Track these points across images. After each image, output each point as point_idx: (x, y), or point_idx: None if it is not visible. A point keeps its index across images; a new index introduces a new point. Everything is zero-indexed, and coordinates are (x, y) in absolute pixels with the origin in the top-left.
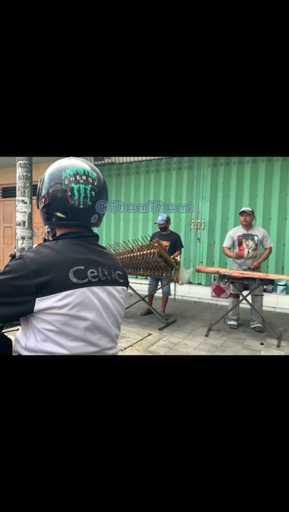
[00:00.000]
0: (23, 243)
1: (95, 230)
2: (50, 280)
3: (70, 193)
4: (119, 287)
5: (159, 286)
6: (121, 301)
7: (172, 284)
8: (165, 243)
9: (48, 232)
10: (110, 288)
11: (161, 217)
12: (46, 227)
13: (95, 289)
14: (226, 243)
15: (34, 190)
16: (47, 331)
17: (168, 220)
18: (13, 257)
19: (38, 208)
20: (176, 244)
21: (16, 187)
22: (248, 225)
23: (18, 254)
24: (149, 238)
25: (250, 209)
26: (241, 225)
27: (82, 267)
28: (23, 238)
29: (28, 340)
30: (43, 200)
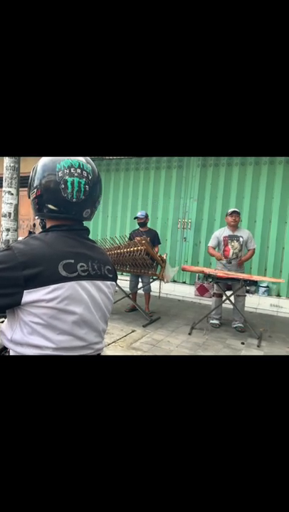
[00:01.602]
0: (7, 235)
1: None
2: (39, 273)
3: (63, 186)
4: (108, 282)
5: (140, 286)
6: (109, 296)
7: (157, 282)
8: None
9: (39, 223)
10: (99, 283)
11: (140, 213)
12: (36, 218)
13: (84, 283)
14: (212, 243)
15: (21, 182)
16: (34, 324)
17: (147, 216)
18: None
19: (29, 197)
20: (154, 241)
21: (2, 177)
22: (235, 226)
23: (2, 246)
24: (129, 236)
25: (237, 210)
26: (228, 226)
27: (72, 261)
28: (8, 230)
29: (14, 332)
30: (35, 190)
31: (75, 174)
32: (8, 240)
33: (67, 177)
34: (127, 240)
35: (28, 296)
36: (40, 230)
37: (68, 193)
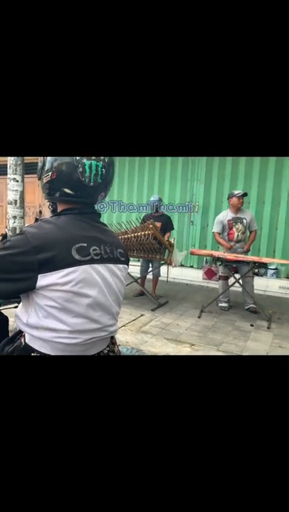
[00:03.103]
0: (14, 222)
1: None
2: (53, 257)
3: (81, 169)
4: (121, 265)
5: (150, 269)
6: (122, 279)
7: (165, 266)
8: (158, 224)
9: (49, 207)
10: (112, 266)
11: (153, 198)
12: (47, 201)
13: (97, 266)
14: (216, 228)
15: (26, 169)
16: (49, 308)
17: (160, 200)
18: (4, 236)
19: (39, 179)
20: (166, 226)
21: (7, 165)
22: (238, 209)
23: (9, 233)
24: (140, 220)
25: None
26: (231, 208)
27: (85, 244)
28: (14, 217)
29: (29, 316)
30: (50, 174)
31: (93, 157)
32: (15, 228)
33: (85, 160)
34: (139, 224)
35: (43, 280)
36: (47, 216)
37: (86, 176)
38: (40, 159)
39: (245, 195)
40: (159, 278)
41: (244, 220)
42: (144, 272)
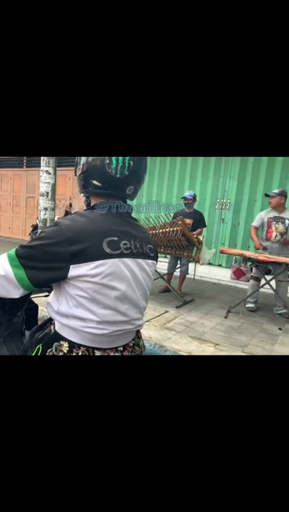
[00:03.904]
0: (45, 214)
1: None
2: (85, 249)
3: (108, 161)
4: (150, 261)
5: (178, 266)
6: (150, 275)
7: (193, 264)
8: (188, 221)
9: (84, 201)
10: (141, 261)
11: (188, 193)
12: (82, 195)
13: (127, 260)
14: (256, 222)
15: (58, 161)
16: (79, 297)
17: (195, 197)
18: (35, 227)
19: (75, 175)
20: (198, 223)
21: (40, 157)
22: (281, 208)
23: (40, 224)
24: (171, 216)
25: (281, 191)
26: (272, 206)
27: (116, 238)
28: (45, 209)
29: (60, 304)
30: (81, 167)
31: None
32: (46, 219)
33: None
34: (167, 219)
35: (74, 270)
36: (77, 209)
37: (112, 168)
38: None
39: (279, 193)
40: (186, 276)
41: (286, 221)
42: (171, 268)
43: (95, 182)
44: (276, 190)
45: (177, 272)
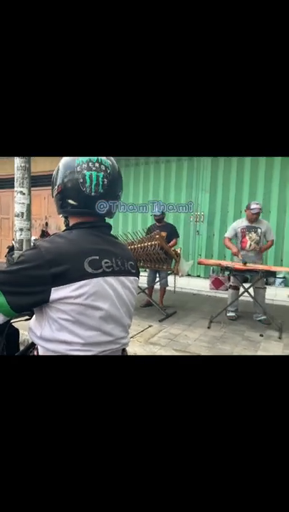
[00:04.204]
0: (21, 235)
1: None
2: (66, 270)
3: (81, 180)
4: (132, 277)
5: (157, 279)
6: (133, 291)
7: (172, 276)
8: (163, 233)
9: (64, 222)
10: (123, 278)
11: (156, 209)
12: (60, 216)
13: (109, 279)
14: (229, 233)
15: (33, 181)
16: (62, 321)
17: (163, 213)
18: (11, 249)
19: (52, 196)
20: (172, 235)
21: (14, 178)
22: (254, 220)
23: (16, 245)
24: (145, 230)
25: (260, 206)
26: (247, 217)
27: (97, 257)
28: (21, 230)
29: (42, 329)
30: (57, 187)
31: (93, 168)
32: (22, 240)
33: (85, 171)
34: (144, 234)
35: (56, 293)
36: (53, 228)
37: (87, 186)
38: (53, 175)
39: (255, 209)
40: (167, 288)
41: (258, 230)
42: (151, 282)
43: (71, 201)
44: (257, 205)
45: (157, 286)
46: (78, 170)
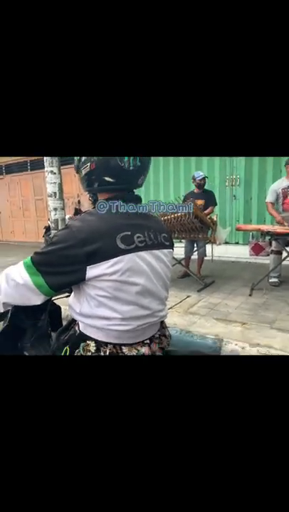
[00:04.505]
0: (56, 214)
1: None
2: (99, 248)
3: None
4: (166, 250)
5: (195, 248)
6: (168, 264)
7: (209, 245)
8: (200, 202)
9: (90, 198)
10: (157, 251)
11: (197, 173)
12: (87, 193)
13: (143, 253)
14: (270, 198)
15: (62, 160)
16: (100, 297)
17: (204, 178)
18: (47, 229)
19: (77, 173)
20: (209, 202)
21: (43, 159)
22: None
23: (52, 225)
24: (182, 198)
25: None
26: (287, 175)
27: (129, 233)
28: (55, 209)
29: (82, 306)
30: (89, 165)
31: None
32: (57, 219)
33: None
34: (180, 202)
35: (91, 271)
36: (86, 205)
37: (125, 161)
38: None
39: None
40: (204, 258)
41: None
42: (188, 252)
43: (107, 178)
44: None
45: (195, 255)
46: None
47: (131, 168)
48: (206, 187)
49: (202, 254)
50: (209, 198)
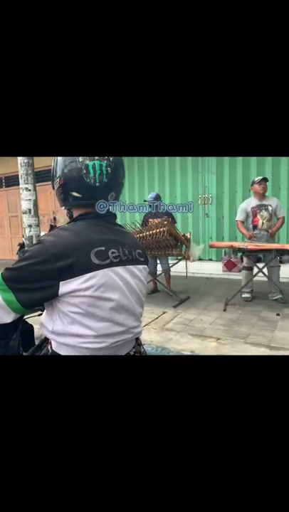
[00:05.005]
0: (30, 231)
1: None
2: (73, 263)
3: (84, 171)
4: (140, 266)
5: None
6: (143, 280)
7: (183, 262)
8: (156, 221)
9: (67, 214)
10: (132, 267)
11: (150, 195)
12: (63, 208)
13: (117, 269)
14: (239, 216)
15: (37, 177)
16: (73, 314)
17: (158, 197)
18: (21, 246)
19: (53, 188)
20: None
21: (18, 175)
22: (262, 195)
23: (26, 242)
24: (141, 221)
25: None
26: (255, 195)
27: (103, 248)
28: (30, 226)
29: (54, 324)
30: (58, 180)
31: (96, 157)
32: (32, 236)
33: (87, 161)
34: (140, 225)
35: (65, 287)
36: (61, 222)
37: (91, 177)
38: (51, 168)
39: (265, 179)
40: (178, 274)
41: (269, 207)
42: (153, 269)
43: (74, 194)
44: (260, 178)
45: (160, 272)
46: (80, 160)
47: (97, 184)
48: (179, 203)
49: (166, 271)
50: (168, 217)
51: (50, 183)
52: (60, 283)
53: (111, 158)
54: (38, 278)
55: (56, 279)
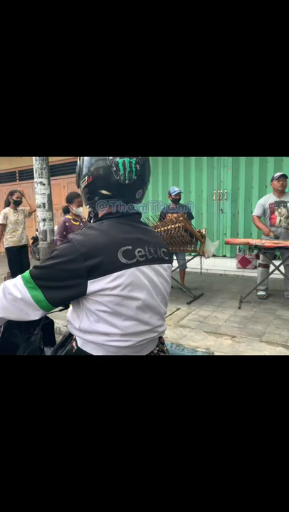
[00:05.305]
0: (44, 225)
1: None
2: (101, 262)
3: (114, 168)
4: (165, 265)
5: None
6: (167, 279)
7: (197, 258)
8: (173, 216)
9: (91, 212)
10: (157, 266)
11: (172, 189)
12: (87, 207)
13: (144, 268)
14: (257, 211)
15: (51, 171)
16: (100, 312)
17: (180, 193)
18: (35, 239)
19: (78, 187)
20: (187, 216)
21: (32, 169)
22: (282, 192)
23: (40, 236)
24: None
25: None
26: (274, 191)
27: (130, 247)
28: (44, 220)
29: (81, 321)
30: (86, 178)
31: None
32: (45, 230)
33: (117, 159)
34: (153, 220)
35: (92, 285)
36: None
37: (121, 175)
38: (77, 166)
39: (284, 176)
40: (192, 270)
41: (288, 204)
42: None
43: (103, 192)
44: (279, 174)
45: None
46: (110, 158)
47: (126, 181)
48: (194, 200)
49: (183, 267)
50: (187, 212)
51: (63, 177)
52: (88, 282)
53: (139, 157)
54: (67, 276)
55: (84, 277)
